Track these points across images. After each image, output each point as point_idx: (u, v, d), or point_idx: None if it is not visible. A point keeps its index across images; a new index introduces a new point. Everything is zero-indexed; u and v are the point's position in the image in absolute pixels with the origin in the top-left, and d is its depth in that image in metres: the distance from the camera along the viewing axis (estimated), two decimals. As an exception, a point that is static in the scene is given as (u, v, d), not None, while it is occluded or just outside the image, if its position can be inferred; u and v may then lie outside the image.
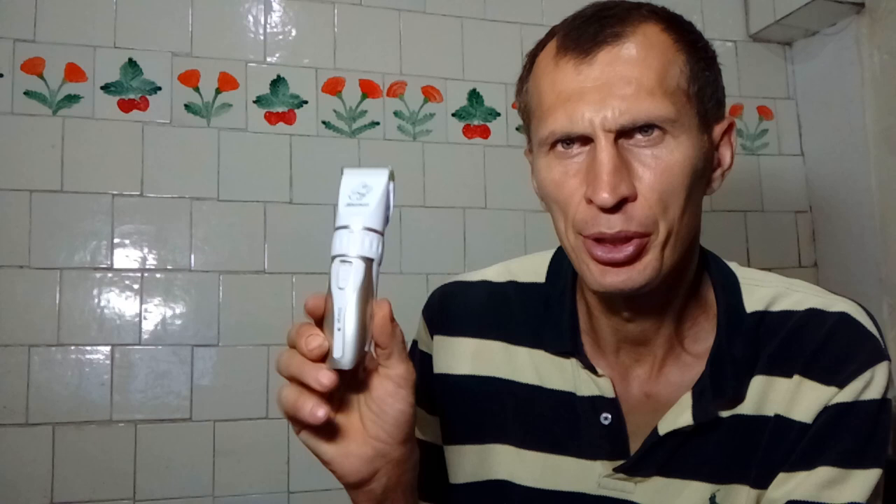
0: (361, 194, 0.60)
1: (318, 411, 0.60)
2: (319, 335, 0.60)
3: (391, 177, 0.62)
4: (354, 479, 0.65)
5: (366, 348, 0.62)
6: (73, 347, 1.41)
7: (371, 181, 0.61)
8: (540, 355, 0.83)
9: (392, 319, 0.62)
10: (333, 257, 0.60)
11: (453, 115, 1.66)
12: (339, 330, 0.59)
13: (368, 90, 1.62)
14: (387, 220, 0.61)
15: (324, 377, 0.59)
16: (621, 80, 0.69)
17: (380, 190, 0.61)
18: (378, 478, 0.66)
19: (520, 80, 0.79)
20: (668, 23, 0.73)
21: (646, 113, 0.68)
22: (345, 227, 0.60)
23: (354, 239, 0.60)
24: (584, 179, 0.70)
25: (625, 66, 0.69)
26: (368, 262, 0.60)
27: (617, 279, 0.70)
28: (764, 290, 0.79)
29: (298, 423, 0.63)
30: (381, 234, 0.61)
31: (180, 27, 1.53)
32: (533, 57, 0.77)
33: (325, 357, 0.60)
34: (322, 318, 0.62)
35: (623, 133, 0.69)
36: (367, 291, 0.60)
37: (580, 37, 0.71)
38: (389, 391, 0.64)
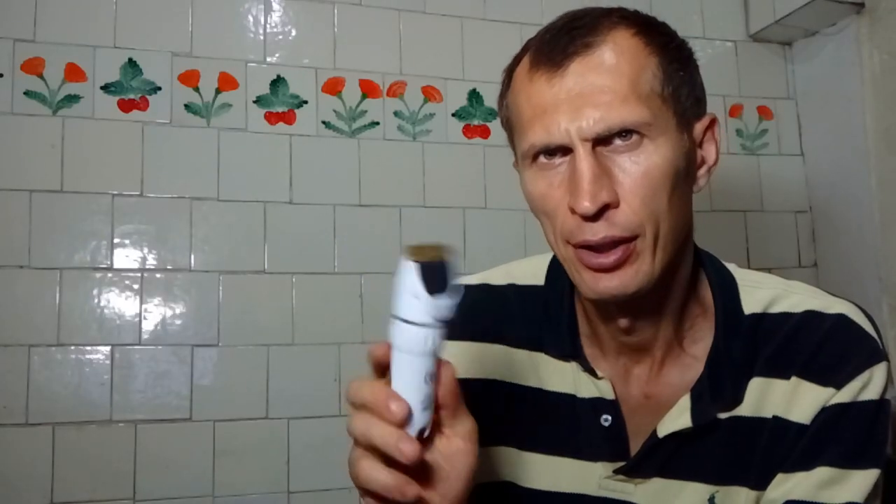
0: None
1: (410, 491, 0.58)
2: (403, 401, 0.59)
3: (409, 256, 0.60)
4: None
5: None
6: (73, 347, 1.41)
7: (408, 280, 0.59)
8: (540, 358, 0.83)
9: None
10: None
11: (453, 115, 1.66)
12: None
13: (368, 90, 1.62)
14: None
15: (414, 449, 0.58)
16: (595, 89, 0.69)
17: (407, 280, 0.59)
18: None
19: (500, 95, 0.80)
20: (639, 27, 0.74)
21: (621, 119, 0.69)
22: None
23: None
24: (567, 190, 0.71)
25: (597, 75, 0.70)
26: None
27: (611, 284, 0.70)
28: (762, 292, 0.79)
29: (384, 500, 0.60)
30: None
31: (180, 27, 1.53)
32: (510, 72, 0.78)
33: (405, 424, 0.59)
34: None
35: (601, 141, 0.70)
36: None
37: (552, 50, 0.72)
38: (459, 448, 0.63)
